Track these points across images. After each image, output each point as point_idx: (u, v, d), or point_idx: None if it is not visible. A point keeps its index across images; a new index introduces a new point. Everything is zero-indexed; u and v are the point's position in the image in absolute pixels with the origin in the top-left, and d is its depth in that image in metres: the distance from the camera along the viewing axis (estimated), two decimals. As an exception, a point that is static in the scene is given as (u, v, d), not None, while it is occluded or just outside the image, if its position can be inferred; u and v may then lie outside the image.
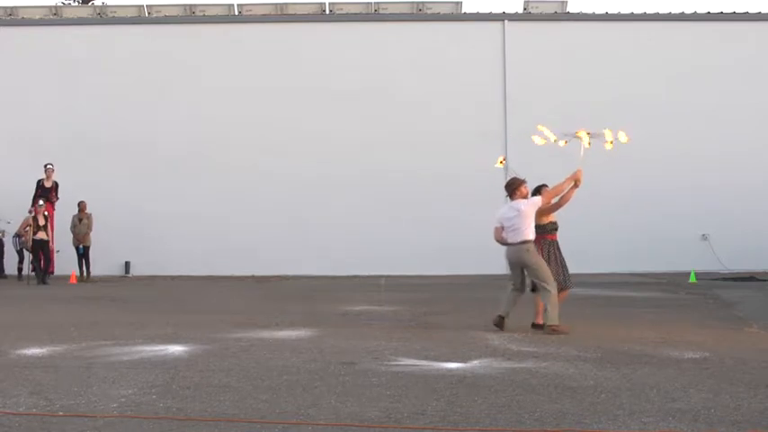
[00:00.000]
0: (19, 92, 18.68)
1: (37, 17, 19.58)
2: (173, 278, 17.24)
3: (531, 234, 8.58)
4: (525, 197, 8.84)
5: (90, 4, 32.91)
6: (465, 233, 16.75)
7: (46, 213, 16.40)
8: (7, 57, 18.89)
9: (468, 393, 5.37)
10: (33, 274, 16.10)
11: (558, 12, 19.47)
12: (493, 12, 20.08)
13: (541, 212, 8.83)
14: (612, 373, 6.08)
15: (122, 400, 5.18)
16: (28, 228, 16.11)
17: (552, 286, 8.39)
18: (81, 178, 17.74)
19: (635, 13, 19.63)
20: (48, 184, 17.00)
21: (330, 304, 11.62)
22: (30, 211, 16.34)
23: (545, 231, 8.90)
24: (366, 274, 17.39)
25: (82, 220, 16.99)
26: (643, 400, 5.19)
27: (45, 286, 15.37)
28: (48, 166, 16.97)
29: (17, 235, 16.59)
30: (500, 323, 8.52)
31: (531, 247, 8.55)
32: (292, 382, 5.76)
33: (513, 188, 8.90)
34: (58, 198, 17.13)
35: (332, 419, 4.68)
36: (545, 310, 8.41)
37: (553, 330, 8.25)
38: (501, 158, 9.81)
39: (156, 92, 18.74)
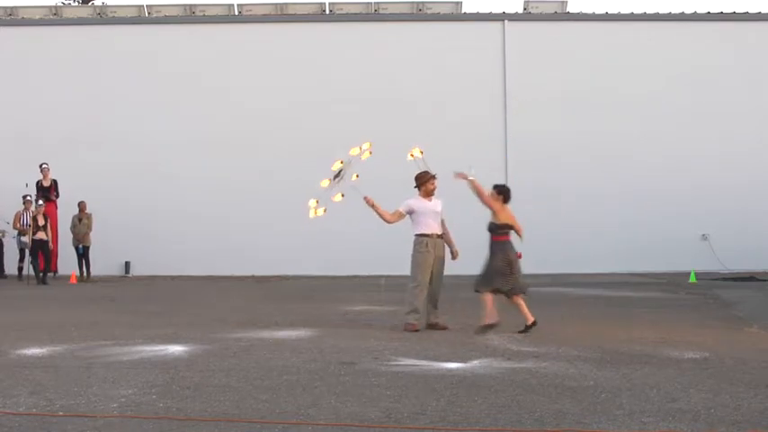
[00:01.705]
0: (19, 92, 18.68)
1: (37, 17, 19.58)
2: (173, 278, 17.24)
3: (416, 229, 8.86)
4: (431, 193, 8.92)
5: (90, 4, 32.91)
6: (464, 233, 16.71)
7: (46, 214, 16.40)
8: (7, 57, 18.89)
9: (468, 393, 5.37)
10: (33, 273, 16.12)
11: (558, 12, 19.47)
12: (493, 12, 20.09)
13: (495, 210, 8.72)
14: (612, 373, 6.08)
15: (122, 400, 5.18)
16: (28, 227, 16.13)
17: (413, 286, 8.66)
18: (81, 178, 17.73)
19: (635, 13, 19.64)
20: (46, 184, 17.01)
21: (330, 304, 11.62)
22: (24, 206, 16.35)
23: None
24: (366, 274, 17.40)
25: (82, 220, 16.99)
26: (643, 400, 5.19)
27: (45, 286, 15.37)
28: (43, 166, 16.96)
29: (20, 233, 16.59)
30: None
31: (415, 240, 8.83)
32: (292, 382, 5.76)
33: (421, 182, 8.93)
34: (58, 195, 17.14)
35: (332, 419, 4.68)
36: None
37: (408, 327, 8.52)
38: (418, 150, 9.14)
39: (156, 92, 18.74)
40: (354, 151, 9.12)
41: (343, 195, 8.98)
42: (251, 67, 18.88)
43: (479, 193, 8.66)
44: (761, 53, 18.93)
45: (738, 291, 13.57)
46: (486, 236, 8.73)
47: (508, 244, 8.62)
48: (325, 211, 9.16)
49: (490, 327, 8.32)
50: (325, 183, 9.07)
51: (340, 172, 8.89)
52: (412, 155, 9.16)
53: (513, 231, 8.72)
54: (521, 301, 8.53)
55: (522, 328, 8.36)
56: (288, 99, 18.64)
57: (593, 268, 17.65)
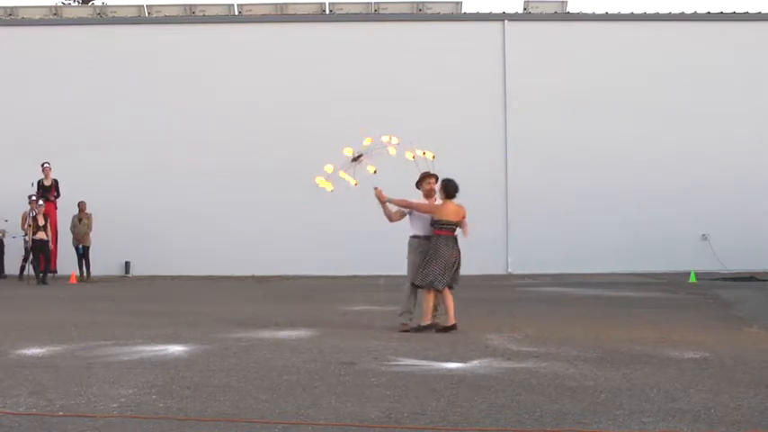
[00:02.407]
0: (19, 92, 18.68)
1: (37, 17, 19.58)
2: (173, 278, 17.24)
3: (411, 230, 8.82)
4: (430, 194, 8.91)
5: (90, 4, 32.91)
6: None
7: (45, 214, 16.40)
8: (7, 57, 18.89)
9: (468, 393, 5.37)
10: (33, 273, 16.12)
11: (558, 12, 19.47)
12: (493, 12, 20.09)
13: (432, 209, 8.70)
14: (612, 373, 6.08)
15: (122, 400, 5.18)
16: (28, 227, 16.13)
17: (407, 287, 8.65)
18: (81, 178, 17.72)
19: (635, 13, 19.64)
20: (47, 183, 17.00)
21: (330, 304, 11.63)
22: (30, 206, 16.36)
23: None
24: (366, 274, 17.40)
25: (81, 220, 16.99)
26: (643, 400, 5.19)
27: (45, 286, 15.37)
28: (45, 165, 16.95)
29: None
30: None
31: (408, 241, 8.84)
32: (292, 382, 5.76)
33: (418, 181, 9.00)
34: (58, 195, 17.11)
35: (332, 419, 4.68)
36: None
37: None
38: (418, 150, 9.08)
39: (155, 92, 18.74)
40: (385, 139, 9.03)
41: (356, 184, 8.77)
42: (251, 67, 18.87)
43: (406, 205, 8.76)
44: (761, 53, 18.92)
45: (738, 291, 13.57)
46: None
47: (448, 239, 8.59)
48: (332, 189, 8.92)
49: (431, 326, 8.42)
50: (349, 151, 8.90)
51: (360, 156, 8.76)
52: (413, 156, 9.13)
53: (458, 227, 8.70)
54: (451, 301, 8.53)
55: (441, 327, 8.44)
56: (288, 99, 18.63)
57: (593, 268, 17.65)
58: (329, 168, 8.86)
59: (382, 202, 8.84)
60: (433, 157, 9.11)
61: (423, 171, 9.02)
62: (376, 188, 8.80)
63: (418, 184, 9.01)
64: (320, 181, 8.91)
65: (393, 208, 8.91)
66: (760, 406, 5.03)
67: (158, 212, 18.29)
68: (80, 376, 5.98)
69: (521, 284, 15.45)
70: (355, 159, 8.78)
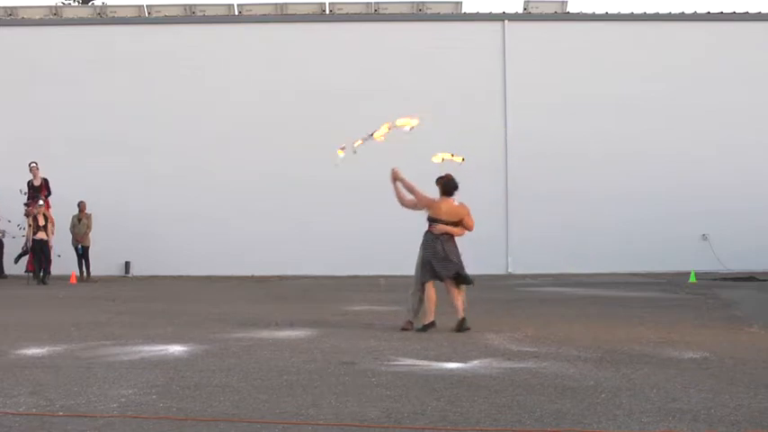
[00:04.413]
0: (19, 92, 18.69)
1: (37, 17, 19.60)
2: (173, 278, 17.24)
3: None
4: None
5: (90, 4, 32.91)
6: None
7: (46, 214, 16.40)
8: (7, 57, 18.90)
9: (468, 393, 5.37)
10: (33, 273, 16.10)
11: (558, 12, 19.48)
12: (493, 12, 20.14)
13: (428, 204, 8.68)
14: (612, 373, 6.08)
15: (122, 400, 5.18)
16: (28, 227, 16.12)
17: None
18: (81, 178, 17.76)
19: (635, 13, 19.66)
20: (36, 183, 16.92)
21: (330, 304, 11.62)
22: (26, 213, 16.33)
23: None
24: (366, 274, 17.40)
25: (81, 220, 16.99)
26: (643, 400, 5.19)
27: (45, 286, 15.37)
28: (32, 165, 16.83)
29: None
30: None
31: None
32: (292, 382, 5.76)
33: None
34: (50, 193, 17.00)
35: (332, 419, 4.68)
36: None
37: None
38: (459, 157, 9.19)
39: (156, 92, 18.76)
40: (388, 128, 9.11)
41: (463, 161, 8.87)
42: (251, 67, 18.89)
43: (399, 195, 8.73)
44: (761, 53, 18.94)
45: (738, 291, 13.57)
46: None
47: (435, 235, 8.59)
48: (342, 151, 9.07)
49: (430, 325, 8.41)
50: (358, 143, 9.07)
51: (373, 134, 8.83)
52: (442, 159, 9.15)
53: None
54: (458, 297, 8.54)
55: (455, 325, 8.43)
56: (288, 99, 18.65)
57: (593, 268, 17.66)
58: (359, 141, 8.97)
59: (394, 179, 8.74)
60: (463, 160, 9.10)
61: (447, 172, 8.88)
62: (394, 168, 8.74)
63: (438, 183, 8.85)
64: (341, 152, 9.01)
65: (406, 193, 8.77)
66: (760, 406, 5.03)
67: (158, 212, 18.31)
68: (80, 376, 5.98)
69: (521, 284, 15.44)
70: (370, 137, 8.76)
